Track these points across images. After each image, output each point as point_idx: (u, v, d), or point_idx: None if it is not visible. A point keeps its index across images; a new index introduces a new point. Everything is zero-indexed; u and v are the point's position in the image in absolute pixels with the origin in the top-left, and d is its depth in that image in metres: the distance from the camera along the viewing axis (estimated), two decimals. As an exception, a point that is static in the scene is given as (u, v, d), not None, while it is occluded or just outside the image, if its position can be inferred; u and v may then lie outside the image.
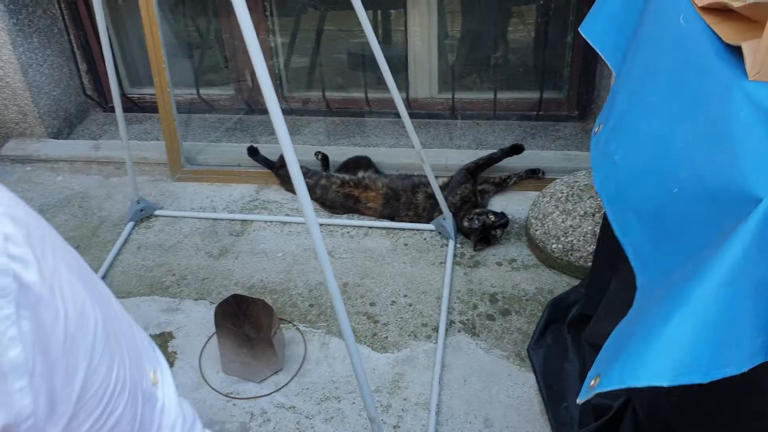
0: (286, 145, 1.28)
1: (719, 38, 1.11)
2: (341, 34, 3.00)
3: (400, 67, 2.83)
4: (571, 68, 2.74)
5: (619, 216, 1.02)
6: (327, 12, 2.92)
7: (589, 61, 2.66)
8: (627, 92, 1.20)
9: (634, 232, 0.97)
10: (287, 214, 2.49)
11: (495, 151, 2.49)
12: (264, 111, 2.95)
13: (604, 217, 1.75)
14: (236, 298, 1.90)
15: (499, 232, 2.25)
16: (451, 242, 2.30)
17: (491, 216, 2.22)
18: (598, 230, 2.06)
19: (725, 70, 1.03)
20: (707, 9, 1.20)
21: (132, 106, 3.05)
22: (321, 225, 2.43)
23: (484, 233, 2.23)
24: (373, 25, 2.54)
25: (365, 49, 2.85)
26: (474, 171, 2.43)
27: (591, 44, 1.46)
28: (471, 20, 2.84)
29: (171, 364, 1.98)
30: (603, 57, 1.42)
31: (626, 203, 1.01)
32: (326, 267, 1.37)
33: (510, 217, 2.40)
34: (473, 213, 2.25)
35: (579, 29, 1.52)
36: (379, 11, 2.84)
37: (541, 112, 2.83)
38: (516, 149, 2.48)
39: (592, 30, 1.49)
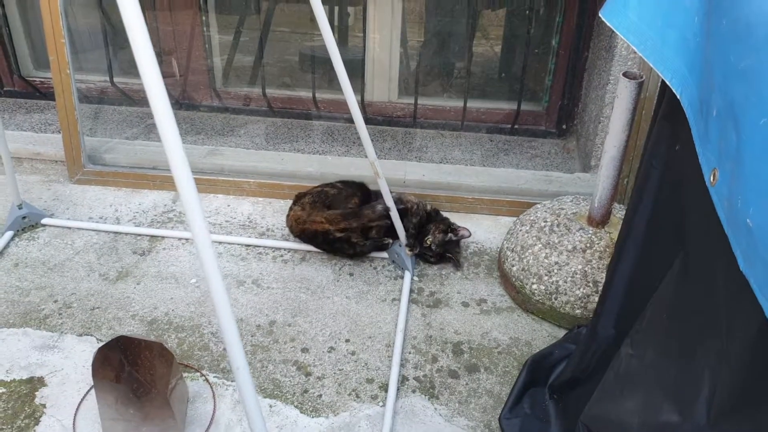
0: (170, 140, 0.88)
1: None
2: (288, 23, 2.57)
3: (355, 66, 2.42)
4: (554, 76, 2.36)
5: None
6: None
7: (576, 68, 2.29)
8: (732, 116, 0.81)
9: None
10: (209, 231, 2.03)
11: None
12: (193, 106, 2.51)
13: (612, 261, 1.36)
14: (123, 340, 1.43)
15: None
16: (408, 274, 1.88)
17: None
18: (589, 269, 1.67)
19: None
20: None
21: (32, 91, 2.55)
22: (248, 246, 1.98)
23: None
24: (328, 16, 2.13)
25: (315, 42, 2.44)
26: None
27: (622, 36, 1.08)
28: (439, 16, 2.45)
29: (36, 421, 1.50)
30: (646, 59, 1.04)
31: None
32: (218, 295, 0.96)
33: (478, 246, 2.01)
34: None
35: (600, 14, 1.13)
36: (334, 2, 2.42)
37: (516, 126, 2.45)
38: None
39: (621, 17, 1.11)
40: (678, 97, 1.07)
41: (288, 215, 1.98)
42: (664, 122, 1.21)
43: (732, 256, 0.80)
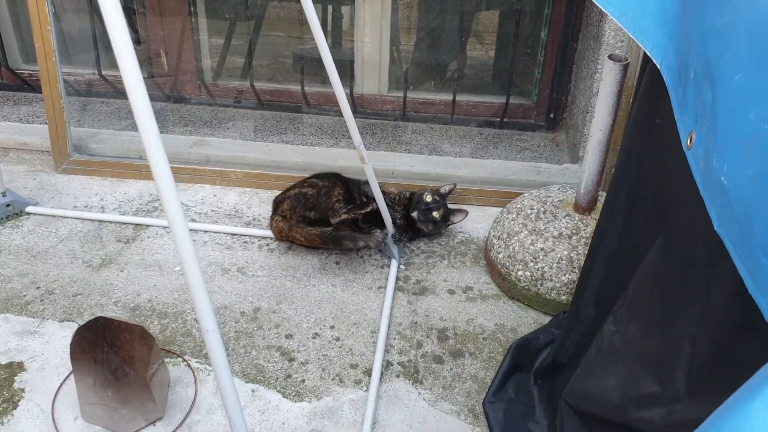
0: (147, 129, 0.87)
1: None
2: (277, 16, 2.57)
3: (344, 58, 2.41)
4: (543, 69, 2.36)
5: (752, 265, 0.63)
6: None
7: (565, 60, 2.29)
8: (709, 75, 0.81)
9: None
10: (194, 219, 2.02)
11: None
12: (182, 99, 2.50)
13: (592, 242, 1.35)
14: (102, 321, 1.41)
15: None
16: (394, 263, 1.86)
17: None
18: (575, 255, 1.66)
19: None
20: None
21: (21, 83, 2.54)
22: (234, 235, 1.97)
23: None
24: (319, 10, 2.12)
25: (306, 45, 2.44)
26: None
27: (602, 8, 1.08)
28: (430, 8, 2.44)
29: (15, 405, 1.47)
30: (627, 30, 1.04)
31: (754, 247, 0.63)
32: (194, 280, 0.94)
33: (465, 236, 2.00)
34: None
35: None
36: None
37: (505, 119, 2.44)
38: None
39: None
40: (658, 66, 1.07)
41: (271, 224, 1.95)
42: (645, 97, 1.20)
43: (710, 221, 0.79)
